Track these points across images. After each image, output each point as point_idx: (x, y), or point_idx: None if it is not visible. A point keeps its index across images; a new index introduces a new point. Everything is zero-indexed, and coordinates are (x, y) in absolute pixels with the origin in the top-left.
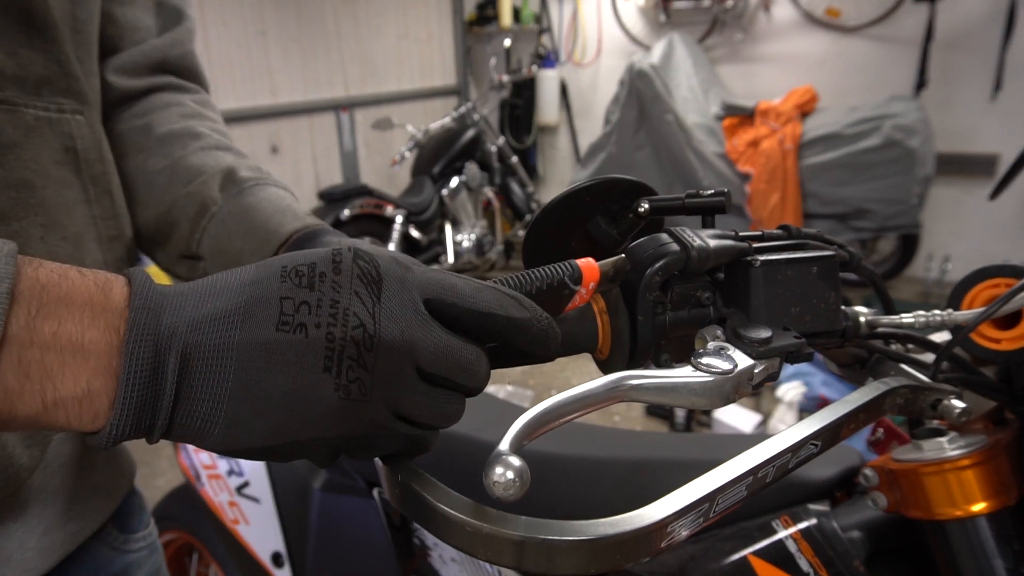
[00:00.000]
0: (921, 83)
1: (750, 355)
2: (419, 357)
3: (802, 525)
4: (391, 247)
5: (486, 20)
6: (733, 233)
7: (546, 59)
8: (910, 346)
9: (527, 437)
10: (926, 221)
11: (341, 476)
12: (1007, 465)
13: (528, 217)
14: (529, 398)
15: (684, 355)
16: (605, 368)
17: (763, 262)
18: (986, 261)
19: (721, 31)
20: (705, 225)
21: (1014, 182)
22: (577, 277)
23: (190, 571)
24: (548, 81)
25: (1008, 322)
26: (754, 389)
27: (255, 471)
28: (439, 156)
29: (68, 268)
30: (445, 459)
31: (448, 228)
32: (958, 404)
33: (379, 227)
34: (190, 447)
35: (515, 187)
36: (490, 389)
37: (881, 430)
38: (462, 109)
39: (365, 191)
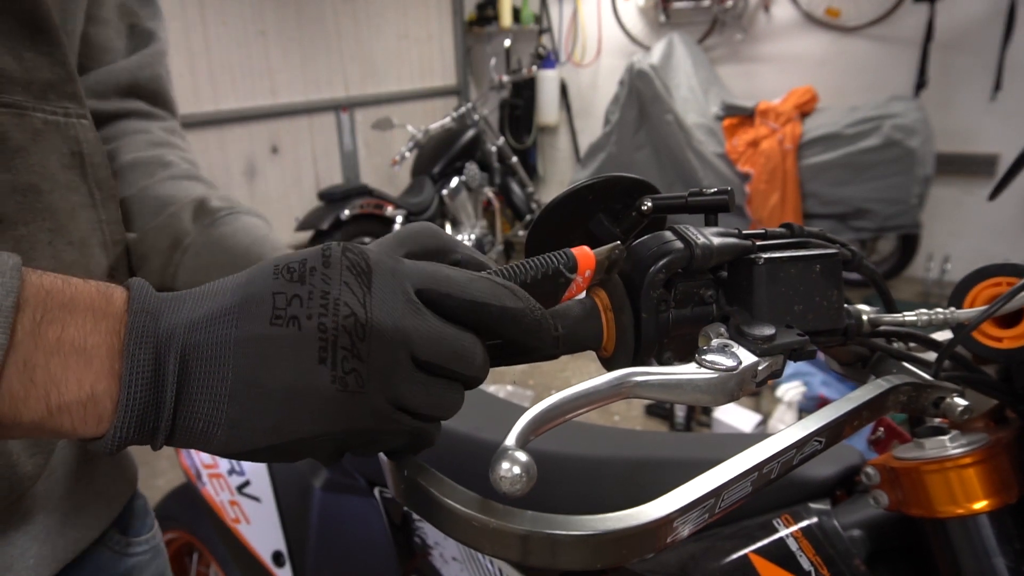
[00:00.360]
0: (921, 83)
1: (754, 352)
2: (413, 345)
3: (803, 524)
4: None
5: (486, 20)
6: (736, 231)
7: (546, 59)
8: (912, 344)
9: (533, 433)
10: (926, 221)
11: (342, 475)
12: (1008, 463)
13: (528, 217)
14: (529, 398)
15: (687, 353)
16: (609, 365)
17: (767, 260)
18: (986, 261)
19: (721, 31)
20: (708, 224)
21: (1014, 182)
22: (572, 265)
23: (190, 571)
24: (548, 81)
25: (1009, 321)
26: (757, 386)
27: (256, 470)
28: (439, 156)
29: (70, 277)
30: (446, 458)
31: (448, 228)
32: (960, 402)
33: (379, 227)
34: None
35: (515, 187)
36: (490, 389)
37: (882, 429)
38: (462, 109)
39: (365, 191)
